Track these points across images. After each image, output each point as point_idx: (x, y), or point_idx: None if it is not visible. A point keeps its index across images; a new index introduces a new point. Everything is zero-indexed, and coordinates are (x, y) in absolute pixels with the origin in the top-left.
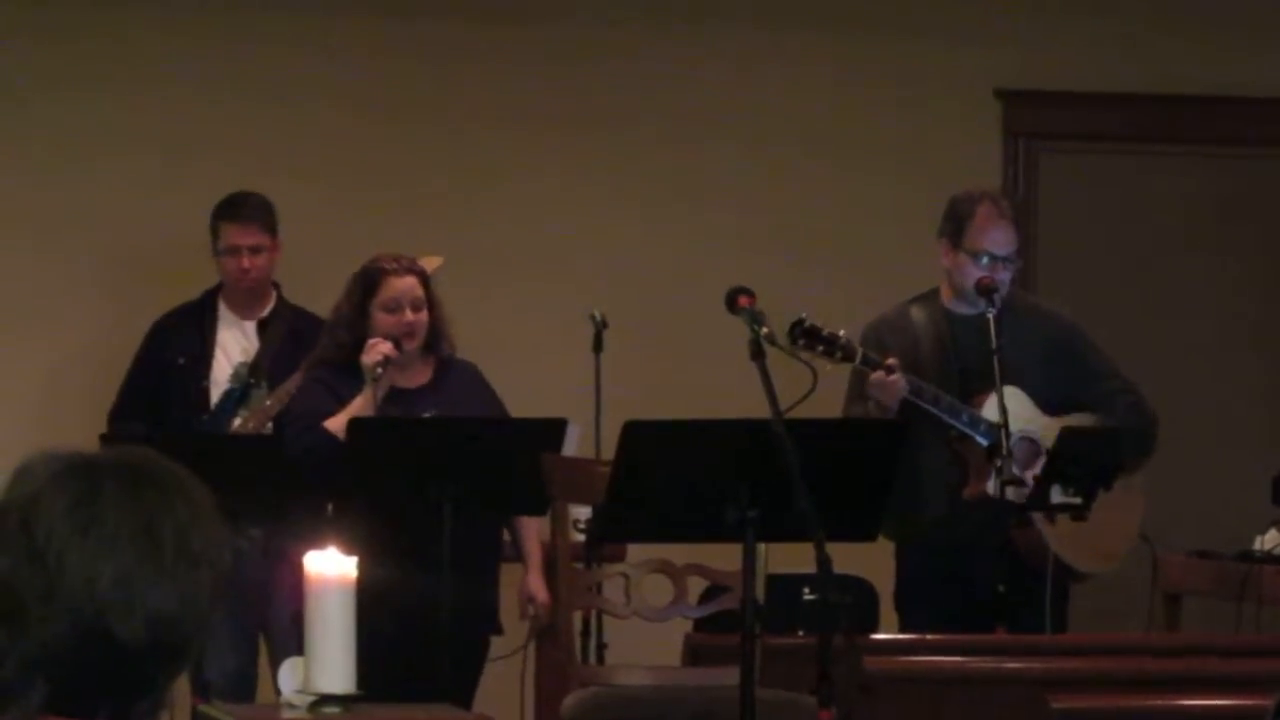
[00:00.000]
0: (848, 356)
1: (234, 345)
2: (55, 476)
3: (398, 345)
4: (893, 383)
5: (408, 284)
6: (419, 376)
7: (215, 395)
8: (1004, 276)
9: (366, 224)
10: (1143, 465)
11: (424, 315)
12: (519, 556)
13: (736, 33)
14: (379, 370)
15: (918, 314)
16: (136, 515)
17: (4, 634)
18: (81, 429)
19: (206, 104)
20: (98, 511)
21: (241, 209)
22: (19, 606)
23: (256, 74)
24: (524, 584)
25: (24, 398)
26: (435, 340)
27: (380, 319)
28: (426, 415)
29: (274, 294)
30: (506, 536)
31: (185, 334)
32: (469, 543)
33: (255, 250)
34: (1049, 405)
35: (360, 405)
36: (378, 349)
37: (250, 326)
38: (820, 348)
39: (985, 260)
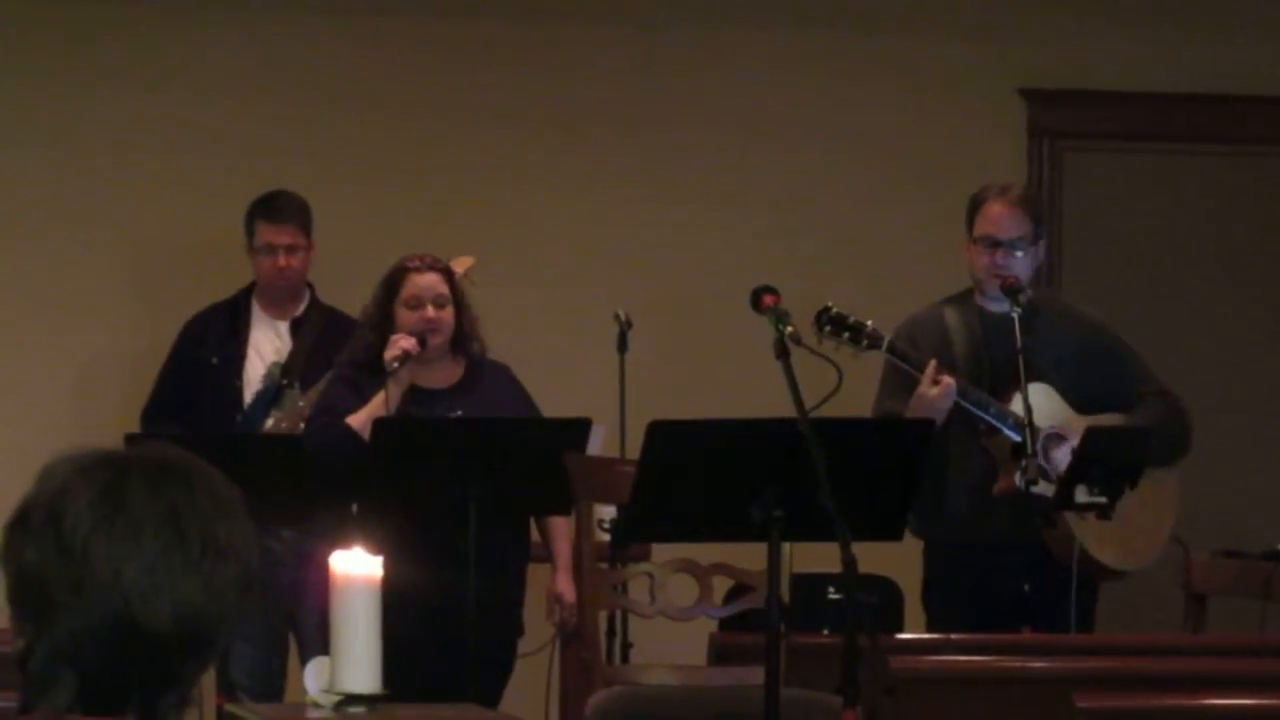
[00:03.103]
0: (874, 344)
1: (267, 345)
2: (81, 471)
3: (422, 342)
4: (945, 385)
5: (429, 280)
6: (447, 376)
7: (248, 395)
8: (1006, 262)
9: (395, 223)
10: (1175, 463)
11: (448, 312)
12: (549, 557)
13: (762, 33)
14: (395, 364)
15: (950, 312)
16: (161, 507)
17: (33, 627)
18: (113, 426)
19: (239, 102)
20: (123, 503)
21: (277, 208)
22: (47, 599)
23: (289, 72)
24: (552, 584)
25: (56, 394)
26: (464, 340)
27: (403, 316)
28: (453, 416)
29: (307, 293)
30: (536, 537)
31: (219, 333)
32: (493, 542)
33: (291, 250)
34: (1080, 405)
35: (379, 401)
36: (398, 344)
37: (283, 326)
38: (846, 335)
39: (987, 244)
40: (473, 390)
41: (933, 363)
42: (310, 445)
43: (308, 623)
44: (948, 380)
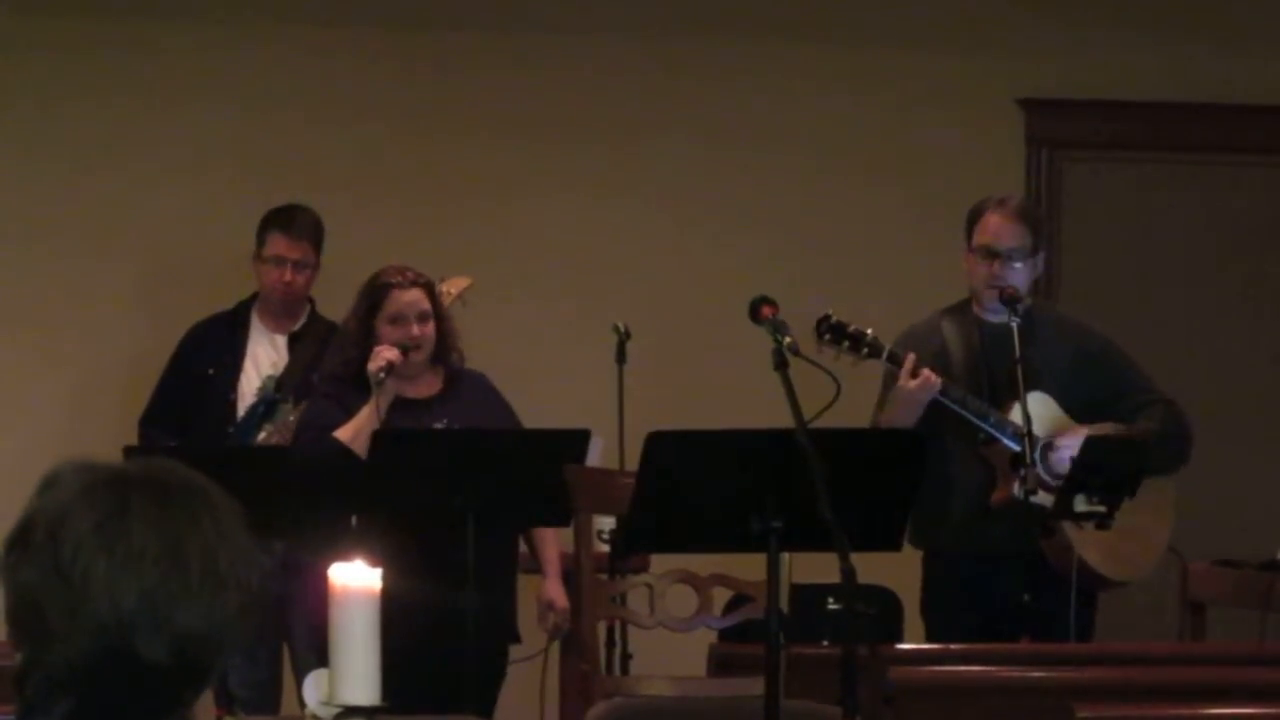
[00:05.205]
0: (874, 353)
1: (264, 358)
2: (83, 492)
3: (404, 351)
4: (924, 378)
5: (413, 297)
6: (429, 387)
7: (242, 408)
8: (1004, 273)
9: (394, 235)
10: (1175, 471)
11: (430, 327)
12: (536, 566)
13: (759, 45)
14: (381, 375)
15: (948, 323)
16: (163, 534)
17: (28, 650)
18: (113, 436)
19: (241, 116)
20: (125, 529)
21: (294, 222)
22: (43, 624)
23: (290, 87)
24: (542, 591)
25: (57, 405)
26: (444, 351)
27: (386, 332)
28: (438, 426)
29: (308, 308)
30: (523, 548)
31: (217, 344)
32: (489, 553)
33: (299, 265)
34: (1078, 413)
35: (366, 414)
36: (382, 355)
37: (281, 340)
38: (846, 343)
39: (986, 255)
40: (454, 400)
41: (911, 356)
42: (300, 462)
43: (300, 634)
44: (927, 373)
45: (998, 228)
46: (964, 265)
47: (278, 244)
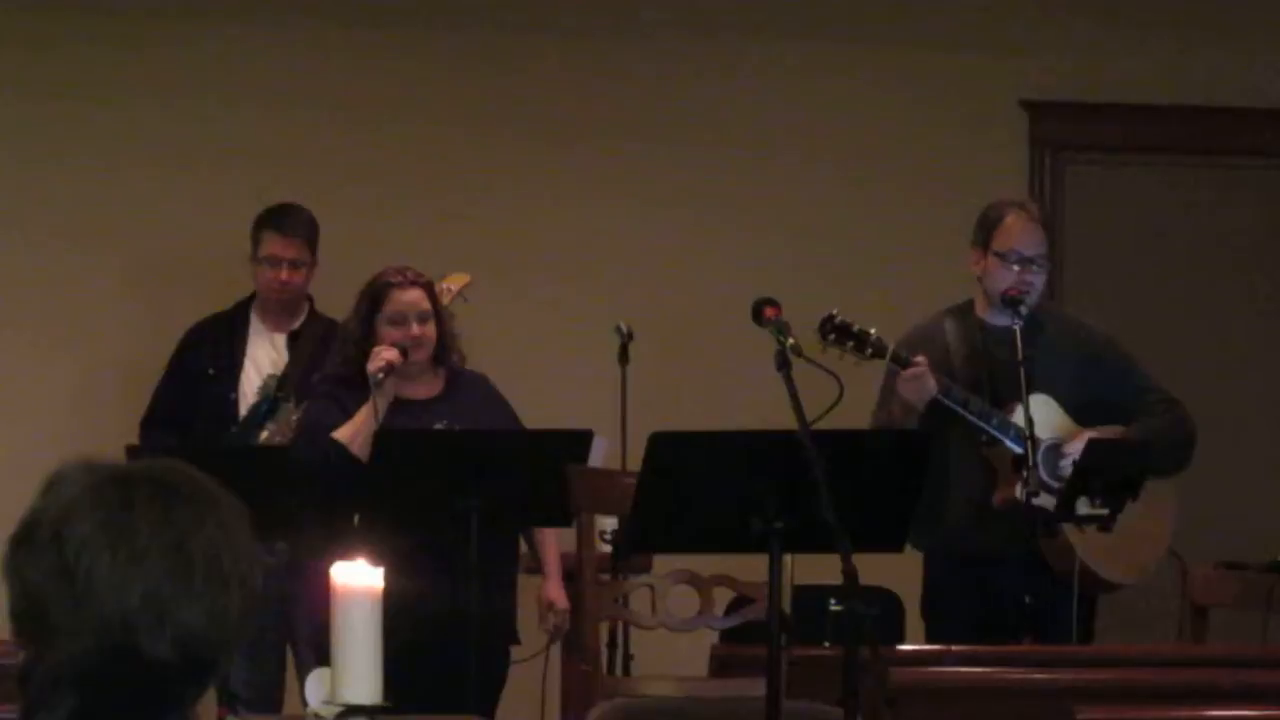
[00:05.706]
0: (878, 353)
1: (264, 357)
2: (88, 490)
3: (404, 352)
4: (921, 382)
5: (413, 297)
6: (430, 388)
7: (243, 407)
8: (1033, 279)
9: (395, 234)
10: (1176, 474)
11: (431, 327)
12: (537, 566)
13: (763, 45)
14: (380, 375)
15: (951, 324)
16: (168, 533)
17: (32, 648)
18: (114, 437)
19: (238, 113)
20: (129, 529)
21: (287, 221)
22: (47, 621)
23: (290, 87)
24: (543, 591)
25: (57, 405)
26: (444, 352)
27: (386, 333)
28: (439, 426)
29: (306, 306)
30: (524, 548)
31: (216, 344)
32: (490, 553)
33: (295, 265)
34: (1082, 416)
35: (365, 414)
36: (381, 355)
37: (281, 339)
38: (850, 343)
39: (1014, 260)
40: (455, 400)
41: (923, 360)
42: (298, 461)
43: (303, 633)
44: (926, 378)
45: (1024, 233)
46: (974, 268)
47: (272, 244)
